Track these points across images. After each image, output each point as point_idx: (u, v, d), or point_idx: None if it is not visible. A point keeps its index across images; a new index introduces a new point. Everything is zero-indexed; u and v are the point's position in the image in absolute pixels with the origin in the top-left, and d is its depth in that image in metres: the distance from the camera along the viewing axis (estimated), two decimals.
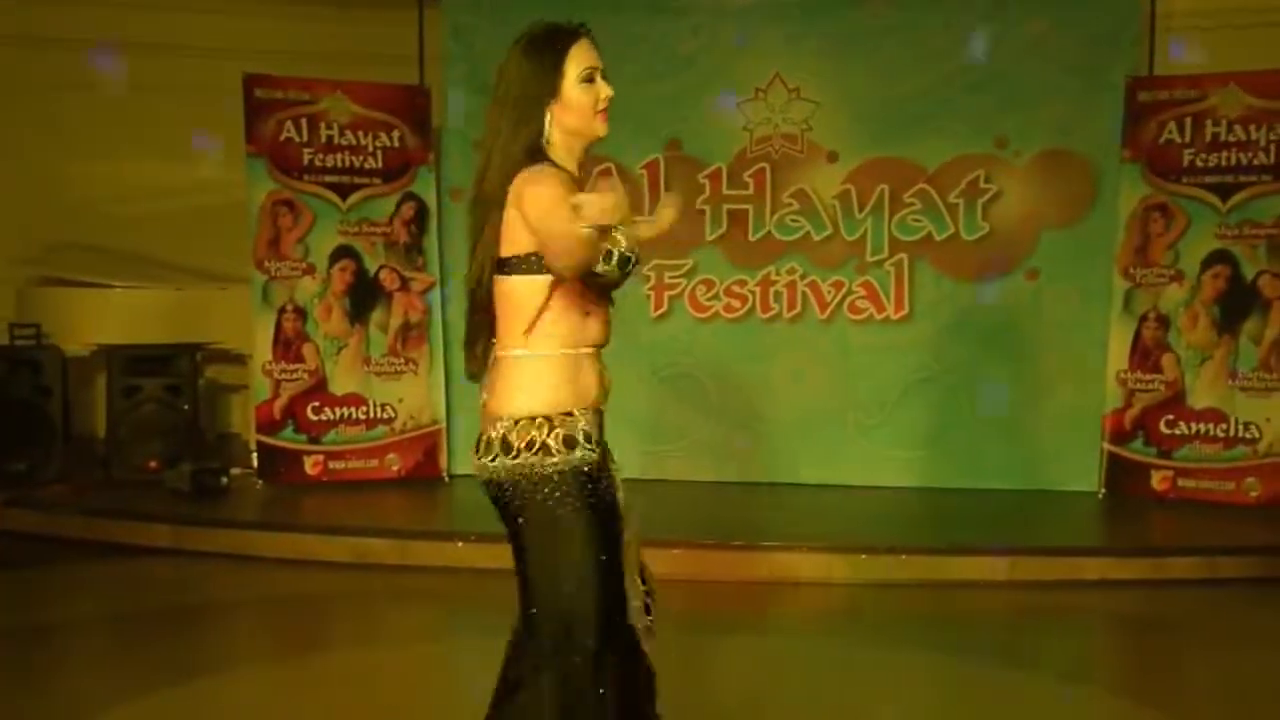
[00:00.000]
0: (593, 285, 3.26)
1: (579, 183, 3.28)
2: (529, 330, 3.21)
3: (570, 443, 3.24)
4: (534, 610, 3.37)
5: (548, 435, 3.20)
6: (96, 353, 9.15)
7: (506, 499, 3.29)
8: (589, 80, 3.25)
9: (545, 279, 3.19)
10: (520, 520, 3.30)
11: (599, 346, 3.33)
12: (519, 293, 3.23)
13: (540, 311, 3.22)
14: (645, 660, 3.41)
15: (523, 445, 3.21)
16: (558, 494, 3.24)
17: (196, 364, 9.07)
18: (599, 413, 3.33)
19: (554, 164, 3.22)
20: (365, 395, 8.95)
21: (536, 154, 3.22)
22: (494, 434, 3.23)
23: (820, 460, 8.90)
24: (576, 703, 3.28)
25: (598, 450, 3.30)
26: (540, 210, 3.08)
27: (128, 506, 8.12)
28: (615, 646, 3.30)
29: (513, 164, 3.19)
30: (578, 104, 3.25)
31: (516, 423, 3.19)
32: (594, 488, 3.31)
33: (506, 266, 3.20)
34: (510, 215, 3.16)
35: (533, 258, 3.16)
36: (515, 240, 3.16)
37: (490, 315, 3.32)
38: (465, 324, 3.44)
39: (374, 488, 8.79)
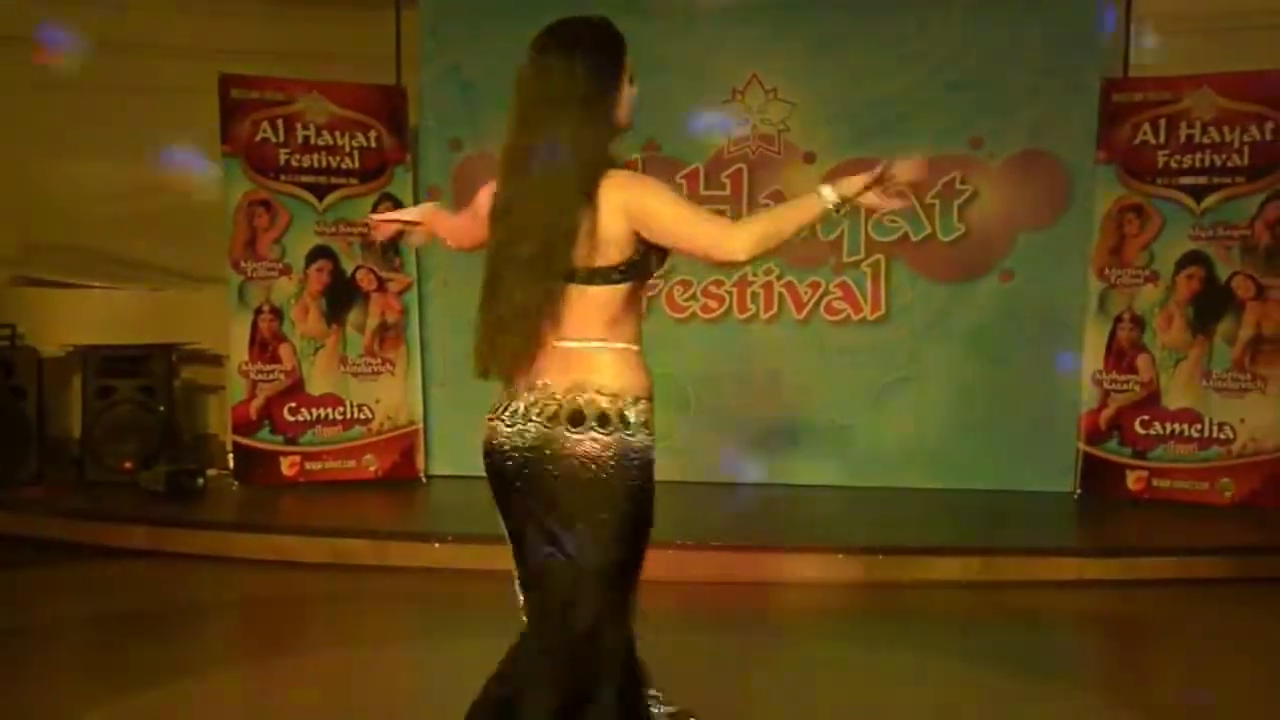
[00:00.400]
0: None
1: None
2: (610, 325, 3.29)
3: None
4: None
5: (651, 417, 3.37)
6: (72, 353, 9.13)
7: (596, 471, 3.32)
8: (632, 81, 3.35)
9: (627, 285, 3.28)
10: (609, 490, 3.34)
11: None
12: (603, 297, 3.26)
13: (618, 311, 3.29)
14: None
15: (640, 423, 3.31)
16: (646, 477, 3.39)
17: (172, 364, 9.11)
18: None
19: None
20: (342, 396, 8.98)
21: (612, 157, 3.29)
22: (589, 407, 3.29)
23: (798, 460, 8.95)
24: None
25: None
26: (703, 216, 3.25)
27: (103, 508, 8.14)
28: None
29: (592, 167, 3.20)
30: (628, 103, 3.34)
31: (637, 400, 3.31)
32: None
33: (600, 276, 3.21)
34: (610, 222, 3.18)
35: (624, 266, 3.22)
36: (613, 248, 3.19)
37: (544, 321, 3.29)
38: (512, 328, 3.32)
39: (351, 489, 8.81)
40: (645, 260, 3.28)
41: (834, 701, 5.46)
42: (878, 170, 3.25)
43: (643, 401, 3.34)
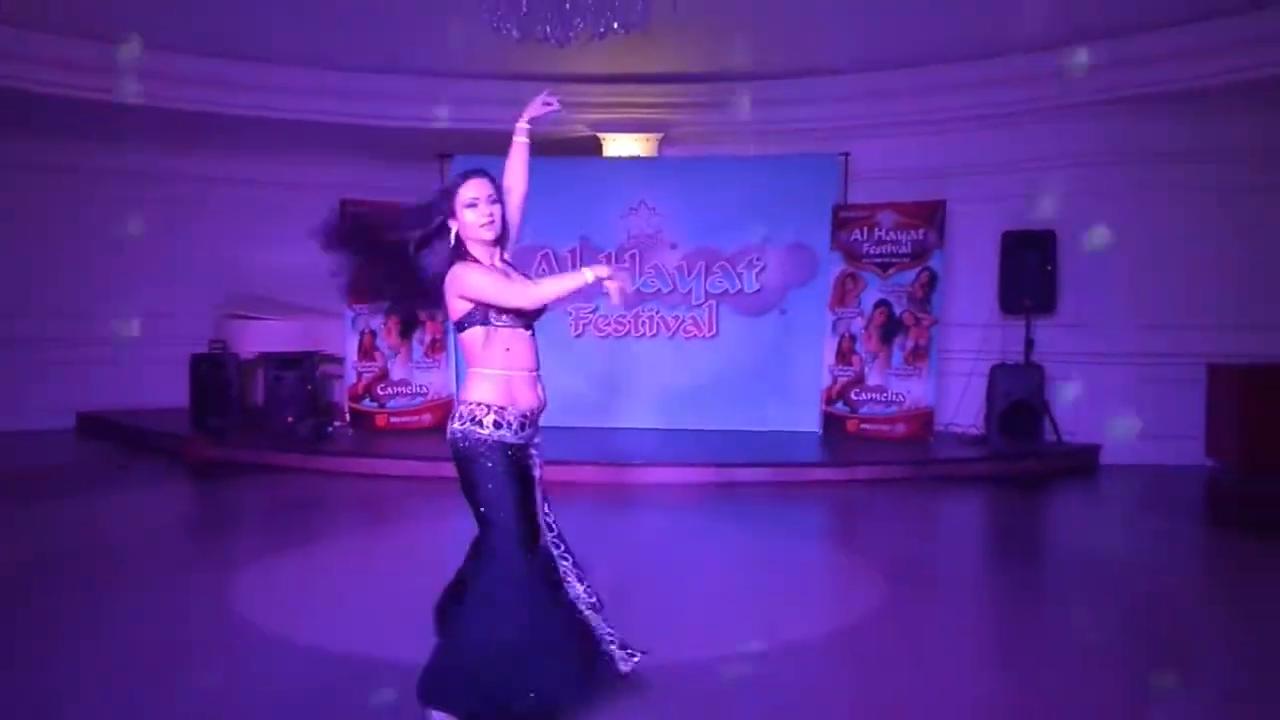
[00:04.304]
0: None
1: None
2: (469, 358, 3.03)
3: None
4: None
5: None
6: (258, 357, 9.17)
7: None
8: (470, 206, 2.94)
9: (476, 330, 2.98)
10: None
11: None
12: (465, 340, 3.03)
13: (475, 348, 2.98)
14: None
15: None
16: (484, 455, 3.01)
17: (315, 363, 9.06)
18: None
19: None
20: (411, 380, 8.95)
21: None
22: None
23: (667, 414, 8.85)
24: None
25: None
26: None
27: (275, 444, 8.17)
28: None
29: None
30: (466, 224, 2.95)
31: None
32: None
33: (457, 326, 3.00)
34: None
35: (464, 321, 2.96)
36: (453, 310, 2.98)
37: None
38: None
39: (417, 434, 8.73)
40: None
41: (683, 547, 5.58)
42: (606, 281, 2.83)
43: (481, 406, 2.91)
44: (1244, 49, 7.06)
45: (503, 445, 2.91)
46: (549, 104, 3.19)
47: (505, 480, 2.90)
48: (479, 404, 2.93)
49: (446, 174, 9.20)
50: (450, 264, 2.93)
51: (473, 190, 2.95)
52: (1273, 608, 4.62)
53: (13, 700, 3.38)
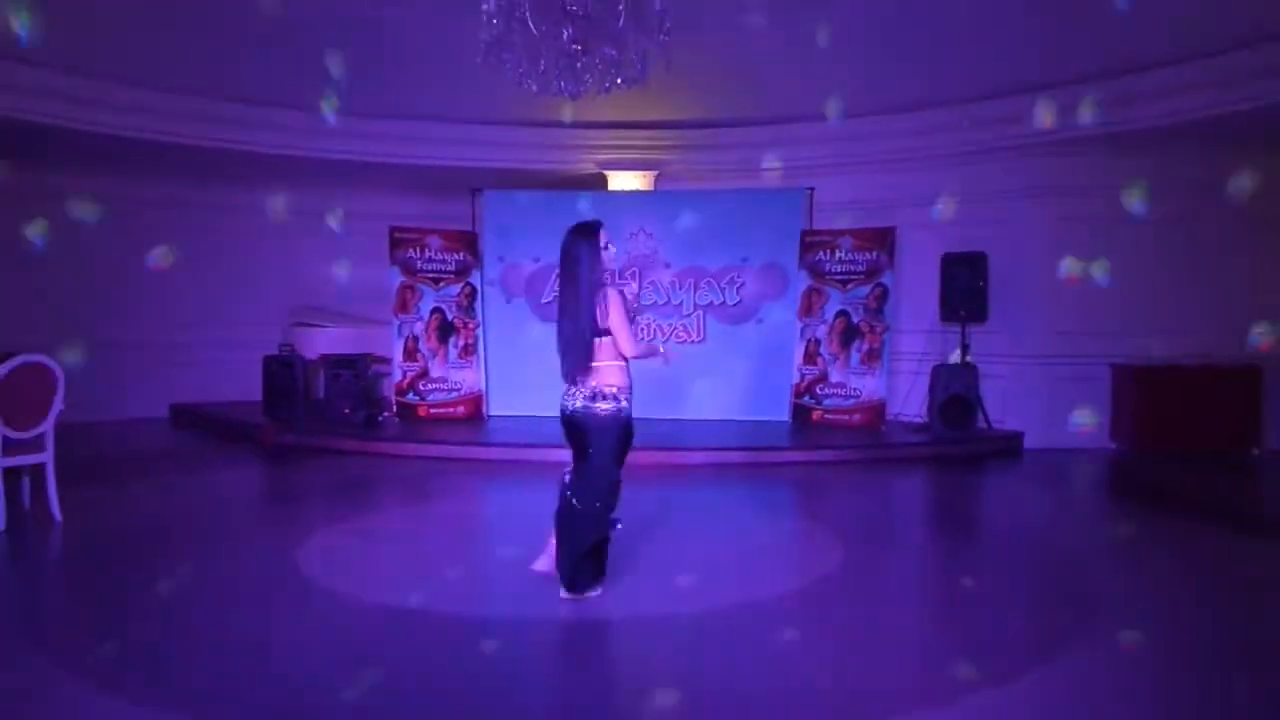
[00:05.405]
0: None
1: None
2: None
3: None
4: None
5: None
6: (319, 358, 9.25)
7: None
8: (607, 247, 3.74)
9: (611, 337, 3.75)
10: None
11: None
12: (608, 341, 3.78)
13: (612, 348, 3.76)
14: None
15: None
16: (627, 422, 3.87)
17: (368, 363, 9.12)
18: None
19: None
20: (447, 377, 9.04)
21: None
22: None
23: (665, 407, 8.58)
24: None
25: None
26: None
27: (333, 430, 8.22)
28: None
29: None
30: (608, 259, 3.78)
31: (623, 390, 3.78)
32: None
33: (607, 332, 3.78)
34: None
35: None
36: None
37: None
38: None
39: (453, 422, 8.80)
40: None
41: (696, 509, 5.70)
42: (664, 354, 3.83)
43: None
44: (1139, 103, 7.30)
45: None
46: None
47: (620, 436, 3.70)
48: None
49: (478, 205, 9.42)
50: (595, 279, 3.59)
51: (605, 236, 3.67)
52: (1157, 554, 4.84)
53: (131, 627, 3.64)
